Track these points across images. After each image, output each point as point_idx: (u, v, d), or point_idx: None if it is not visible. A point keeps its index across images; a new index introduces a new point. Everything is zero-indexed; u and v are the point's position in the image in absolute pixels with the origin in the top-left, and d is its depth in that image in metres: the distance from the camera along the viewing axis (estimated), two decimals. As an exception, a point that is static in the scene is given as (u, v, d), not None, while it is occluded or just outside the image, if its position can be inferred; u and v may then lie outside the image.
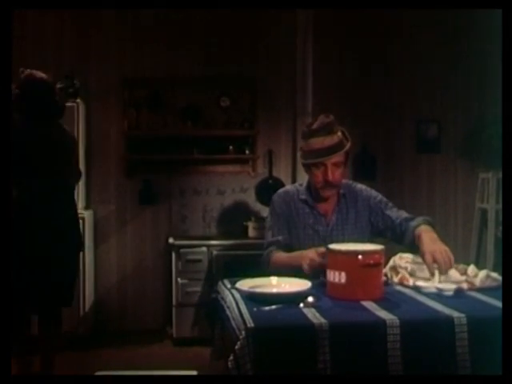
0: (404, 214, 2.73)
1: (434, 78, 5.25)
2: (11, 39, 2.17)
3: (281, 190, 2.92)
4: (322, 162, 2.64)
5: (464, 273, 2.48)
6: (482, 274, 2.40)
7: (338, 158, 2.65)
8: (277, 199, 2.85)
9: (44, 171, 3.34)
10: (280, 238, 2.76)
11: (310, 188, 2.80)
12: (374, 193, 2.84)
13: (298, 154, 2.85)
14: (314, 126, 2.67)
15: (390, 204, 2.80)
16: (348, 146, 2.69)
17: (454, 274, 2.39)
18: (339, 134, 2.68)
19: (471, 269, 2.49)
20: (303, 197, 2.79)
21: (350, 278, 2.13)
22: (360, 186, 2.85)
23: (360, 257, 2.13)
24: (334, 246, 2.26)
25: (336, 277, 2.16)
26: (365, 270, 2.13)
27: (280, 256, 2.71)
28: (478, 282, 2.36)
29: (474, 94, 5.23)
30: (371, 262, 2.13)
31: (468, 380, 1.86)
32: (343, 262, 2.16)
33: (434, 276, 2.30)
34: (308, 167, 2.73)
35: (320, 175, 2.67)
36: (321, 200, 2.77)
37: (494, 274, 2.43)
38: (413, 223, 2.60)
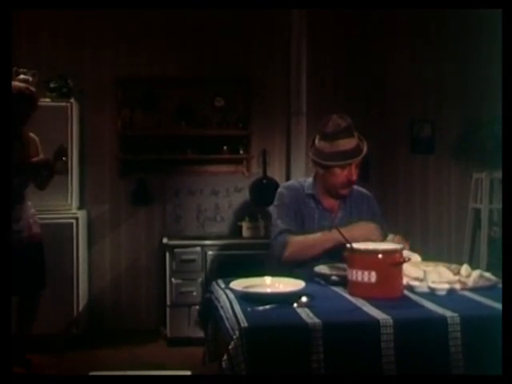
0: None
1: (428, 79, 5.26)
2: (11, 39, 2.16)
3: (286, 184, 2.99)
4: (349, 164, 2.71)
5: (457, 273, 2.48)
6: (475, 274, 2.41)
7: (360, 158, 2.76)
8: (284, 191, 2.88)
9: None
10: (291, 227, 2.77)
11: (316, 184, 2.85)
12: (363, 190, 2.98)
13: (312, 154, 2.84)
14: (335, 127, 2.71)
15: (374, 202, 2.97)
16: (366, 147, 2.77)
17: (446, 274, 2.39)
18: (356, 134, 2.77)
19: (464, 269, 2.50)
20: (310, 191, 2.84)
21: (380, 277, 2.15)
22: (368, 193, 2.98)
23: (390, 256, 2.17)
24: (360, 246, 2.26)
25: (365, 276, 2.16)
26: (394, 268, 2.18)
27: (299, 239, 2.70)
28: (470, 282, 2.37)
29: (467, 95, 5.25)
30: (401, 260, 2.18)
31: (468, 380, 1.86)
32: (373, 262, 2.17)
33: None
34: (327, 168, 2.76)
35: (343, 176, 2.74)
36: (336, 197, 2.84)
37: (487, 274, 2.43)
38: None
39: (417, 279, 2.36)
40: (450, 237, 5.33)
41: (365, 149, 2.77)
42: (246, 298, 2.14)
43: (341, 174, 2.74)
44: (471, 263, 4.95)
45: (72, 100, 4.57)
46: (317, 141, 2.81)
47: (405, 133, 5.28)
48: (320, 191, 2.85)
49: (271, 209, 2.91)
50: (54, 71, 4.65)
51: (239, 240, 4.82)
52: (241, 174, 5.16)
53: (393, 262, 2.17)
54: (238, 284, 2.28)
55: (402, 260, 2.19)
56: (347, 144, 2.71)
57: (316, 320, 1.89)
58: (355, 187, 2.91)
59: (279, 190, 2.92)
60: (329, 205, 2.86)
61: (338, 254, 2.48)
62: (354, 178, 2.75)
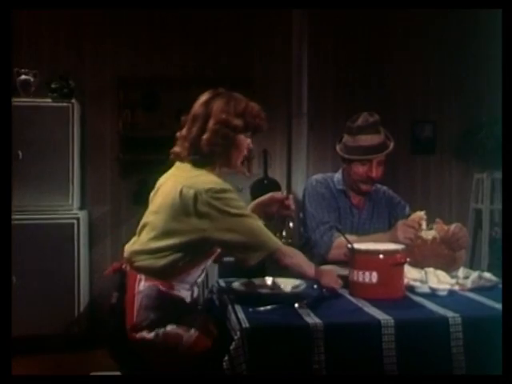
0: None
1: (429, 79, 5.26)
2: (11, 39, 2.15)
3: (314, 178, 2.95)
4: (368, 159, 2.74)
5: (455, 275, 2.48)
6: (474, 275, 2.40)
7: (382, 156, 2.77)
8: (318, 184, 2.90)
9: None
10: (332, 220, 2.78)
11: (345, 180, 2.89)
12: (395, 194, 3.04)
13: (338, 147, 2.89)
14: (361, 122, 2.75)
15: (408, 207, 2.98)
16: (392, 146, 2.79)
17: (444, 277, 2.39)
18: (383, 133, 2.80)
19: (461, 270, 2.50)
20: (340, 187, 2.89)
21: (381, 278, 2.16)
22: (384, 187, 3.01)
23: (391, 256, 2.18)
24: (361, 247, 2.26)
25: (366, 277, 2.17)
26: (395, 268, 2.18)
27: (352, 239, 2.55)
28: (469, 283, 2.36)
29: (468, 95, 5.24)
30: (402, 260, 2.19)
31: (468, 380, 1.86)
32: (374, 262, 2.18)
33: None
34: (350, 162, 2.80)
35: (363, 171, 2.78)
36: (358, 193, 2.88)
37: (487, 275, 2.43)
38: None
39: (417, 280, 2.36)
40: (451, 237, 5.32)
41: (390, 147, 2.78)
42: (248, 299, 2.14)
43: (360, 169, 2.77)
44: (472, 263, 4.97)
45: (73, 101, 4.57)
46: (344, 136, 2.87)
47: (406, 133, 5.28)
48: (348, 187, 2.90)
49: (305, 200, 2.88)
50: (55, 72, 4.64)
51: (240, 240, 4.80)
52: (241, 175, 5.13)
53: (394, 263, 2.17)
54: (240, 284, 2.28)
55: (403, 260, 2.19)
56: (369, 140, 2.74)
57: (317, 320, 1.89)
58: (379, 185, 2.96)
59: (311, 182, 2.93)
60: (356, 201, 2.91)
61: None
62: (374, 174, 2.77)
